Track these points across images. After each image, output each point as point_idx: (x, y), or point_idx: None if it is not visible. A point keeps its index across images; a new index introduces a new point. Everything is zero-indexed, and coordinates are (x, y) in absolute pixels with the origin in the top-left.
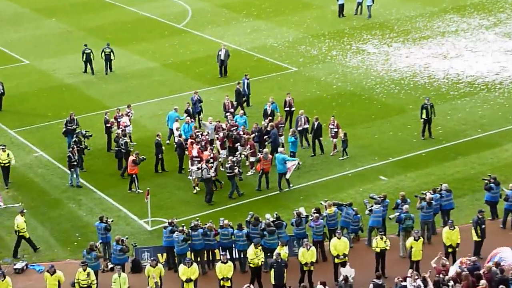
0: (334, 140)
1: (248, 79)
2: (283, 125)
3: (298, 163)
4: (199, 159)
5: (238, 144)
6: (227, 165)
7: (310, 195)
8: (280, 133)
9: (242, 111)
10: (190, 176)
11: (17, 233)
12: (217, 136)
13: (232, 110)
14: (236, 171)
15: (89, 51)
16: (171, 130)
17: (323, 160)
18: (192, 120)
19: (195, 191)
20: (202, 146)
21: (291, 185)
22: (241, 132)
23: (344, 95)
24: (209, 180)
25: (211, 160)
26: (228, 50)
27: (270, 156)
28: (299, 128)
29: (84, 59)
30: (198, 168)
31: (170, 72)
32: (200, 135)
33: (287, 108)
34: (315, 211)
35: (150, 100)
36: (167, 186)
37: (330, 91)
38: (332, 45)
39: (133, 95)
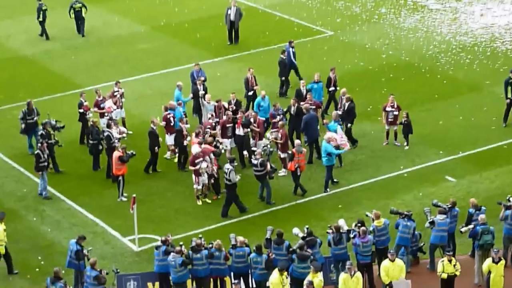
0: (395, 127)
1: (293, 46)
2: (312, 107)
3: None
4: (201, 159)
5: (248, 130)
6: (256, 161)
7: (352, 202)
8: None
9: (263, 92)
10: (196, 183)
11: None
12: (216, 119)
13: (256, 87)
14: (268, 167)
15: (45, 7)
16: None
17: (369, 154)
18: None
19: (199, 202)
20: (203, 138)
21: (328, 189)
22: (251, 120)
23: (397, 67)
24: (235, 186)
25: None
26: (240, 8)
27: (304, 149)
28: (339, 112)
29: (40, 19)
30: (209, 173)
31: (162, 38)
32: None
33: (332, 88)
34: (359, 224)
35: (135, 76)
36: (159, 191)
37: (378, 62)
38: (381, 0)
39: (113, 69)
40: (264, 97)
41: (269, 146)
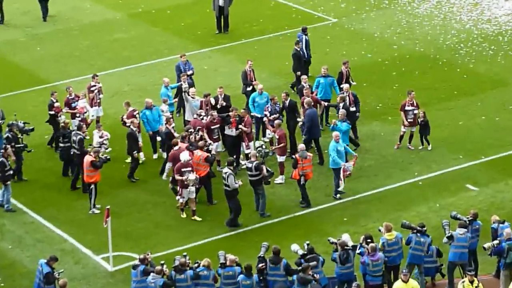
0: (413, 128)
1: (306, 34)
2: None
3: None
4: (190, 168)
5: (240, 130)
6: (250, 164)
7: (359, 214)
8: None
9: (261, 86)
10: (180, 196)
11: None
12: (203, 115)
13: (256, 82)
14: (264, 171)
15: None
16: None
17: (379, 160)
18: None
19: (183, 215)
20: (193, 143)
21: (337, 195)
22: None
23: (411, 59)
24: (236, 193)
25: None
26: None
27: (309, 154)
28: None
29: None
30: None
31: (140, 26)
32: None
33: (343, 85)
34: (368, 239)
35: (110, 69)
36: (137, 202)
37: (389, 54)
38: None
39: (84, 62)
40: (261, 92)
41: (264, 146)
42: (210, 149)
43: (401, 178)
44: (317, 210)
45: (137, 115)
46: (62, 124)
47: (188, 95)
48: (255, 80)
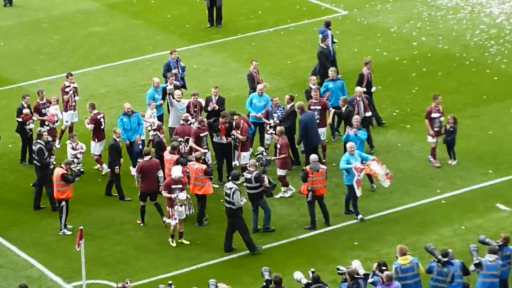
0: (439, 138)
1: (330, 28)
2: (318, 107)
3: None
4: (180, 186)
5: (231, 137)
6: (248, 175)
7: (372, 238)
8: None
9: (262, 85)
10: (170, 217)
11: None
12: (191, 119)
13: (262, 85)
14: (266, 182)
15: None
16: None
17: (395, 175)
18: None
19: (173, 244)
20: (184, 155)
21: (359, 216)
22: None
23: (433, 58)
24: (240, 211)
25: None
26: None
27: (323, 167)
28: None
29: None
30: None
31: (120, 18)
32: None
33: (357, 87)
34: (383, 267)
35: (85, 68)
36: (115, 222)
37: (408, 52)
38: None
39: (54, 60)
40: (261, 93)
41: (265, 153)
42: (207, 159)
43: (421, 195)
44: (323, 233)
45: (101, 120)
46: (38, 133)
47: (173, 97)
48: (261, 81)
